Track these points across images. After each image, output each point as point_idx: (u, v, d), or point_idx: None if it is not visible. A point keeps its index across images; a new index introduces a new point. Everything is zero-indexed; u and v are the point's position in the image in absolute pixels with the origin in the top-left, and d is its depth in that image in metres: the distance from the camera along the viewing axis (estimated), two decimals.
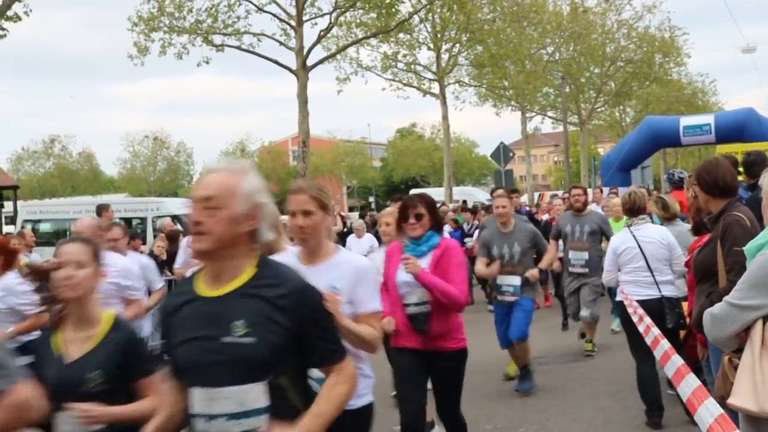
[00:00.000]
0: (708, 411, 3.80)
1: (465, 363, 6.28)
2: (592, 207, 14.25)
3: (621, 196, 8.99)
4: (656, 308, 7.64)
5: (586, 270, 11.55)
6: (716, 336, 3.77)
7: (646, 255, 7.98)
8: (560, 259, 12.03)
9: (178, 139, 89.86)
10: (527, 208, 16.73)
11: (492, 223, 10.32)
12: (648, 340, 6.87)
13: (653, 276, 7.91)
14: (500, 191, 11.43)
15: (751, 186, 7.84)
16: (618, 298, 8.33)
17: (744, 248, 3.95)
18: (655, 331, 6.70)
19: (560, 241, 11.96)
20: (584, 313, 11.50)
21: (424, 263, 6.00)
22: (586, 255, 11.58)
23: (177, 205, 25.05)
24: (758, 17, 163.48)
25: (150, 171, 74.62)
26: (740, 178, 7.97)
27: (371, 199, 79.53)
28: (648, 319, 7.16)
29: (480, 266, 9.76)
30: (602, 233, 11.65)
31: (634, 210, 8.27)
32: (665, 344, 6.03)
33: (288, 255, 4.43)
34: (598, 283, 11.22)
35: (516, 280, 9.49)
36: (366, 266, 4.39)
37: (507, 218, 9.62)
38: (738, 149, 17.70)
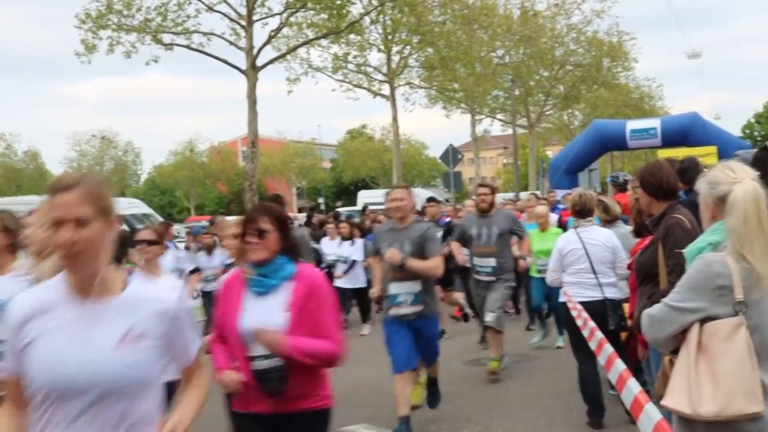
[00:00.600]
0: (648, 417, 3.85)
1: (328, 427, 4.67)
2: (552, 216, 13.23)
3: (571, 198, 8.98)
4: (599, 310, 7.71)
5: (494, 278, 10.28)
6: (654, 337, 3.81)
7: (590, 257, 8.04)
8: (468, 268, 11.01)
9: (126, 138, 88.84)
10: (447, 220, 15.64)
11: (389, 222, 8.62)
12: (592, 344, 6.92)
13: (597, 278, 7.98)
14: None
15: (686, 192, 7.93)
16: (561, 299, 8.39)
17: (684, 251, 3.99)
18: (599, 334, 6.75)
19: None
20: (489, 318, 10.17)
21: (277, 301, 4.44)
22: (493, 261, 10.30)
23: (124, 205, 24.78)
24: (704, 24, 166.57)
25: (97, 170, 73.79)
26: None
27: (321, 200, 79.43)
28: (592, 323, 7.21)
29: (374, 269, 8.60)
30: (513, 234, 10.65)
31: (583, 212, 8.34)
32: (609, 348, 6.08)
33: (51, 285, 3.00)
34: (508, 284, 10.49)
35: (415, 287, 7.87)
36: (176, 305, 3.04)
37: (404, 213, 8.00)
38: (679, 154, 17.94)
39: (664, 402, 3.70)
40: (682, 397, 3.56)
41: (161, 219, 27.55)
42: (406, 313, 7.85)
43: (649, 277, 5.58)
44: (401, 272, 7.80)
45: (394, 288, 7.93)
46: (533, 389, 9.73)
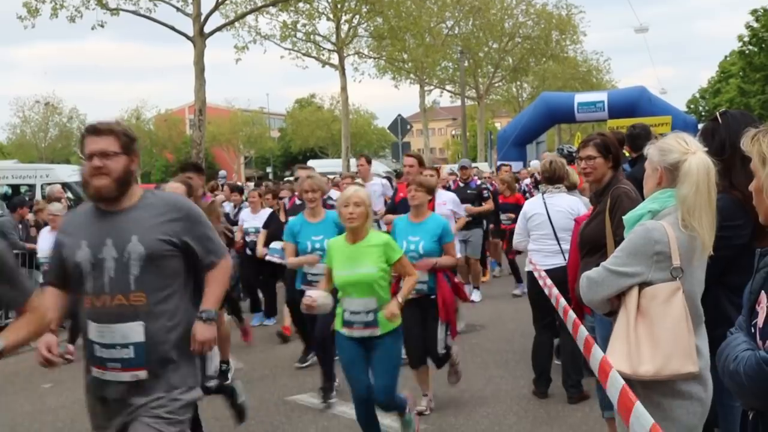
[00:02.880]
0: (614, 383, 3.88)
1: None
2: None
3: (541, 164, 8.90)
4: (561, 277, 7.65)
5: (141, 372, 4.02)
6: (590, 298, 3.95)
7: (553, 223, 8.07)
8: None
9: (71, 104, 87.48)
10: (478, 182, 14.37)
11: None
12: (559, 311, 6.93)
13: (559, 244, 7.98)
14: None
15: (633, 160, 7.96)
16: (527, 268, 8.39)
17: (624, 217, 4.06)
18: (563, 302, 6.77)
19: None
20: None
21: None
22: (137, 331, 4.00)
23: (68, 173, 24.46)
24: None
25: (41, 137, 72.51)
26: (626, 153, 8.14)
27: (269, 169, 78.98)
28: (555, 290, 7.20)
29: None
30: (181, 248, 4.17)
31: (552, 179, 8.31)
32: (572, 315, 6.12)
33: None
34: (183, 393, 4.14)
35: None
36: None
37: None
38: (626, 123, 18.13)
39: None
40: (622, 358, 3.72)
41: None
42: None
43: (596, 248, 5.59)
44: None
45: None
46: (480, 358, 9.79)
